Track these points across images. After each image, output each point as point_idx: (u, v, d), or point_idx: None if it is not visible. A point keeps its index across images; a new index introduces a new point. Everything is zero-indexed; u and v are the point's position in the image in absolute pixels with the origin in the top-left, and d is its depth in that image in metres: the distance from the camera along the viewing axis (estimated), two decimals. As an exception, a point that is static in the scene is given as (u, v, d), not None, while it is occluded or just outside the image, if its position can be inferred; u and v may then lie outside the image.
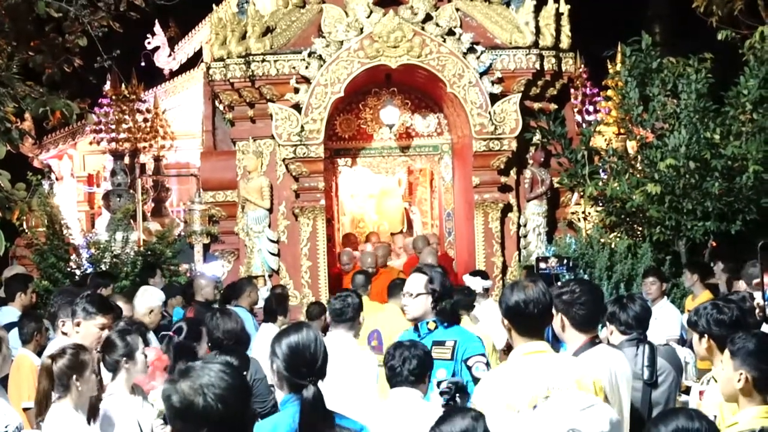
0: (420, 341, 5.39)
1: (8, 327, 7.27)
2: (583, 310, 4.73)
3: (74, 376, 4.96)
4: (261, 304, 11.01)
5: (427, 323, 5.73)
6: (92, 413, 5.12)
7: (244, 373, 6.05)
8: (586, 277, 11.14)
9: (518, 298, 4.20)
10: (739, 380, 3.93)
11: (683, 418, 3.33)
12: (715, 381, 4.33)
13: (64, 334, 6.13)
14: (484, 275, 10.23)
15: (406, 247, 13.37)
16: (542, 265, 10.15)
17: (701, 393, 5.43)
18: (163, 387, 3.06)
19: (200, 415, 2.95)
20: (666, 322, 9.35)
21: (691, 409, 4.08)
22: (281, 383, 4.10)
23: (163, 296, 8.83)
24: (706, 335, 4.76)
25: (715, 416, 4.50)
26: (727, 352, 4.03)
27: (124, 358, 5.42)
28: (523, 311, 4.19)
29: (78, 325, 5.87)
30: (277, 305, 9.50)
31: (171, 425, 3.05)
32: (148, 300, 8.18)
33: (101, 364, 5.51)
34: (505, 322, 4.28)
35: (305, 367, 4.05)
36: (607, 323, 5.58)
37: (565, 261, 10.14)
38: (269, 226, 12.93)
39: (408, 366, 5.05)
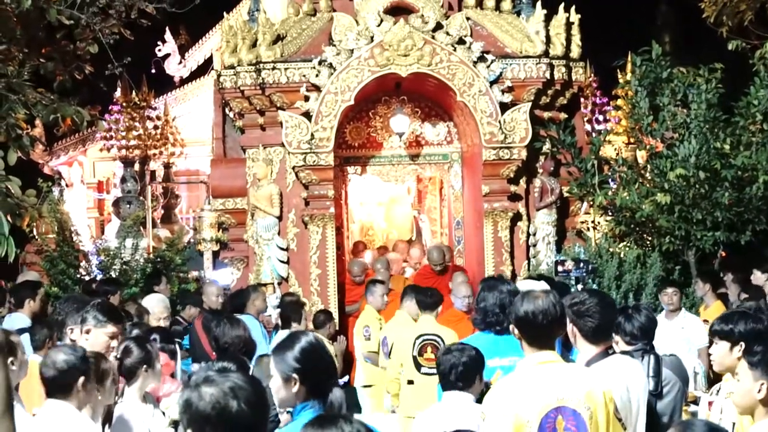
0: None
1: (18, 333, 7.28)
2: (593, 321, 4.73)
3: (96, 386, 4.92)
4: (269, 312, 11.03)
5: None
6: (107, 420, 5.12)
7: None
8: (594, 286, 11.12)
9: (528, 309, 4.22)
10: (759, 390, 3.91)
11: (706, 427, 3.31)
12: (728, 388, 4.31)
13: (73, 341, 6.12)
14: (540, 279, 10.18)
15: (420, 257, 13.42)
16: (560, 268, 10.15)
17: (710, 403, 5.42)
18: (183, 394, 3.00)
19: (232, 418, 2.91)
20: (695, 331, 9.35)
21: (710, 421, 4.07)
22: (299, 393, 3.90)
23: (165, 300, 8.86)
24: (741, 343, 4.76)
25: (734, 423, 4.50)
26: (744, 363, 4.01)
27: (144, 366, 5.43)
28: (532, 321, 4.20)
29: (88, 332, 5.84)
30: (291, 312, 9.49)
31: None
32: (151, 307, 8.23)
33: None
34: (516, 331, 4.29)
35: (326, 369, 4.01)
36: (613, 334, 5.57)
37: (582, 264, 10.13)
38: (279, 233, 12.90)
39: (455, 372, 5.17)
